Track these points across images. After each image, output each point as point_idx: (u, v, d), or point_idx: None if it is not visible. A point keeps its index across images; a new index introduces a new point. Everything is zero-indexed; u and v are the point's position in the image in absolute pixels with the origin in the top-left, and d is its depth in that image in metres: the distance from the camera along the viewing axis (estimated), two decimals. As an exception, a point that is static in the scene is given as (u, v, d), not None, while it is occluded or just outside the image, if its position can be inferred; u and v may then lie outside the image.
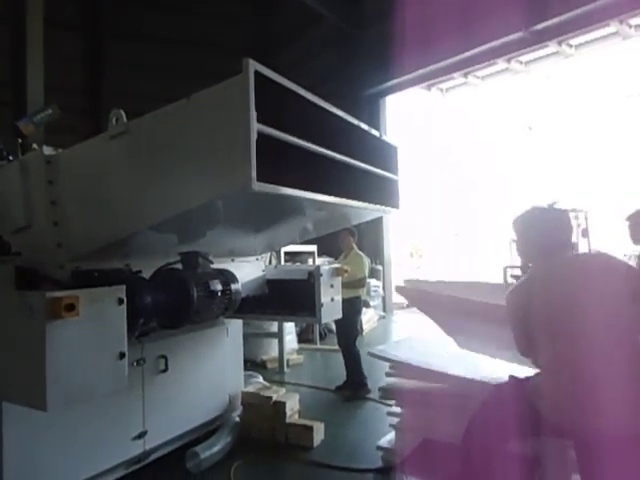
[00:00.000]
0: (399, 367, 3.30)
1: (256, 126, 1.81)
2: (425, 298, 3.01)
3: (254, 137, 1.79)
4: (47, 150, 2.40)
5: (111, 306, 1.97)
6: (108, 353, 1.97)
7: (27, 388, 1.88)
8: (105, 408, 2.73)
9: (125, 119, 2.14)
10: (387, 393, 3.45)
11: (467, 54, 9.55)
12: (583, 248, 9.42)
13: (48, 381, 1.75)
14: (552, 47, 9.43)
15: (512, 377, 2.19)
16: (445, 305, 2.83)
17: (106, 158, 2.26)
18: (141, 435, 3.05)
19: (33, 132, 3.58)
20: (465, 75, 11.03)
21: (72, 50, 12.08)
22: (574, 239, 9.54)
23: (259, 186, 1.80)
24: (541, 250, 2.18)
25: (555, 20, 8.29)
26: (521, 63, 10.47)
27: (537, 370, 2.12)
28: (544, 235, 2.18)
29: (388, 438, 3.45)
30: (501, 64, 10.30)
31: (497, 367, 2.90)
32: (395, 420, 3.33)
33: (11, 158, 2.85)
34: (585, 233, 9.57)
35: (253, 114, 1.78)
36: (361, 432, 3.96)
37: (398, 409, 3.33)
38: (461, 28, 9.26)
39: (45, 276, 2.29)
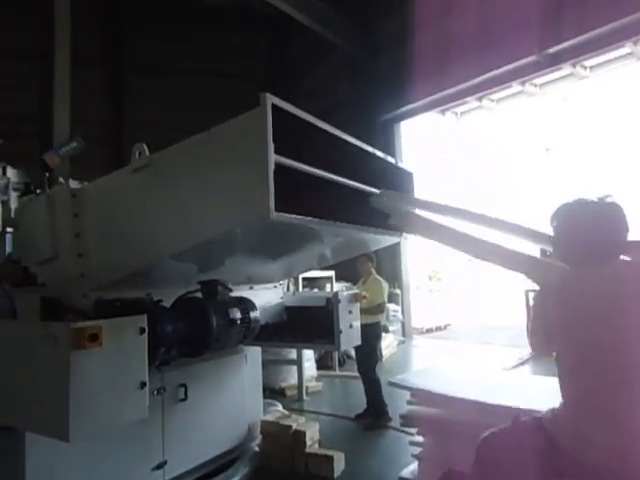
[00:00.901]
0: (420, 395, 3.24)
1: (274, 157, 1.85)
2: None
3: (272, 168, 1.83)
4: (73, 184, 2.48)
5: (133, 336, 1.99)
6: (129, 383, 1.98)
7: (50, 419, 1.89)
8: (125, 438, 2.73)
9: (147, 153, 2.21)
10: (408, 421, 3.38)
11: (481, 78, 9.64)
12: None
13: (71, 412, 1.77)
14: (566, 69, 9.46)
15: (525, 415, 1.95)
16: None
17: (129, 191, 2.33)
18: (160, 465, 3.03)
19: (59, 164, 3.71)
20: (479, 99, 11.10)
21: (93, 83, 12.55)
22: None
23: (277, 216, 1.83)
24: (586, 253, 1.78)
25: (569, 43, 8.33)
26: (535, 86, 10.51)
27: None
28: (592, 234, 1.78)
29: (411, 469, 3.37)
30: (515, 87, 10.35)
31: (520, 394, 2.83)
32: (418, 450, 3.25)
33: (38, 191, 2.95)
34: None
35: (271, 146, 1.82)
36: (383, 462, 3.87)
37: (420, 438, 3.26)
38: (474, 53, 9.38)
39: (68, 306, 2.34)
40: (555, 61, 8.88)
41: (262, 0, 10.14)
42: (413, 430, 3.48)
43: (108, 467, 2.71)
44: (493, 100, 11.53)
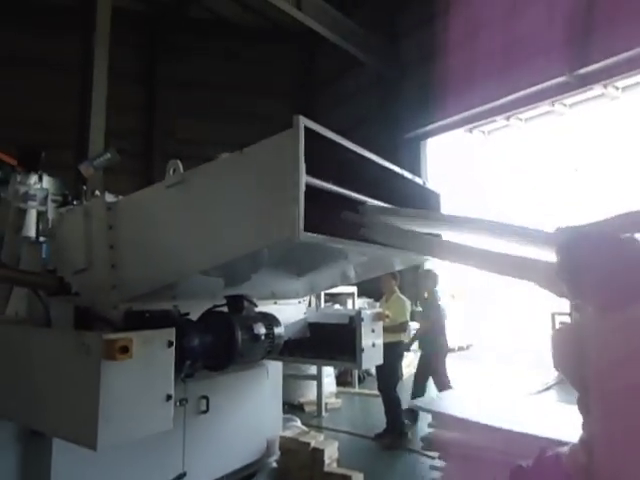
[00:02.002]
0: (442, 418, 3.20)
1: (305, 178, 1.89)
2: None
3: (302, 189, 1.87)
4: (108, 197, 2.57)
5: (161, 348, 2.04)
6: (156, 394, 2.02)
7: (78, 426, 1.94)
8: (146, 447, 2.76)
9: (181, 169, 2.28)
10: (429, 444, 3.34)
11: (509, 98, 9.59)
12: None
13: (100, 421, 1.81)
14: (597, 90, 9.33)
15: (550, 448, 1.79)
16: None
17: (162, 206, 2.39)
18: (180, 477, 3.05)
19: (93, 175, 3.83)
20: (507, 118, 11.02)
21: (128, 97, 12.97)
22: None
23: (306, 237, 1.86)
24: (612, 295, 1.55)
25: (598, 65, 8.24)
26: (565, 105, 10.38)
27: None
28: (622, 274, 1.53)
29: (430, 494, 3.31)
30: (544, 107, 10.25)
31: (546, 422, 2.77)
32: (438, 474, 3.20)
33: (75, 203, 3.05)
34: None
35: (302, 167, 1.86)
36: (401, 485, 3.82)
37: (441, 463, 3.21)
38: (503, 72, 9.35)
39: (99, 316, 2.40)
40: (585, 82, 8.78)
41: (292, 17, 10.36)
42: (434, 454, 3.43)
43: (129, 475, 2.75)
44: (521, 119, 11.43)
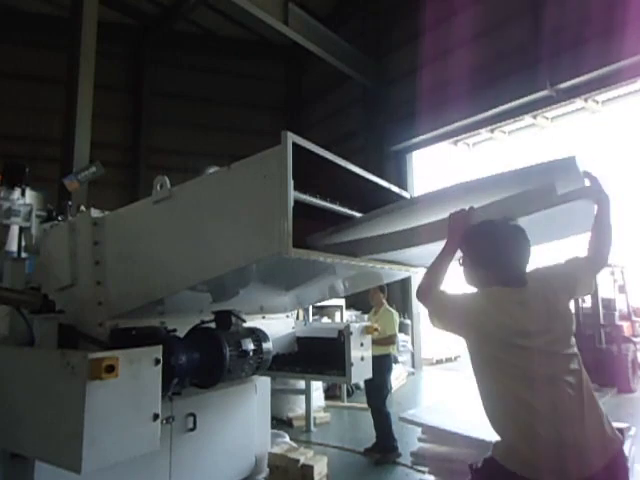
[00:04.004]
0: (432, 432, 3.19)
1: (293, 194, 1.89)
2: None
3: (291, 205, 1.87)
4: (94, 212, 2.53)
5: (148, 367, 2.00)
6: (143, 414, 1.98)
7: (62, 449, 1.89)
8: (132, 467, 2.69)
9: (169, 185, 2.26)
10: (419, 459, 3.33)
11: (492, 112, 9.78)
12: (621, 305, 9.08)
13: (84, 443, 1.76)
14: (578, 103, 9.56)
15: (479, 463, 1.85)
16: None
17: (149, 222, 2.37)
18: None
19: (78, 189, 3.79)
20: (492, 130, 11.22)
21: (113, 108, 12.92)
22: (611, 295, 9.09)
23: (295, 252, 1.86)
24: (502, 276, 1.86)
25: (580, 79, 8.46)
26: (547, 119, 10.61)
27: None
28: (508, 256, 1.87)
29: (421, 509, 3.28)
30: (527, 119, 10.46)
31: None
32: (428, 490, 3.18)
33: (60, 218, 3.01)
34: (622, 289, 9.26)
35: (291, 183, 1.86)
36: (392, 500, 3.78)
37: (432, 477, 3.19)
38: (486, 86, 9.55)
39: (84, 333, 2.36)
40: (567, 95, 9.00)
41: (278, 32, 10.45)
42: (424, 468, 3.41)
43: (115, 498, 2.68)
44: (505, 132, 11.64)
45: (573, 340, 1.87)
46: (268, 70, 15.25)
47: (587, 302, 8.63)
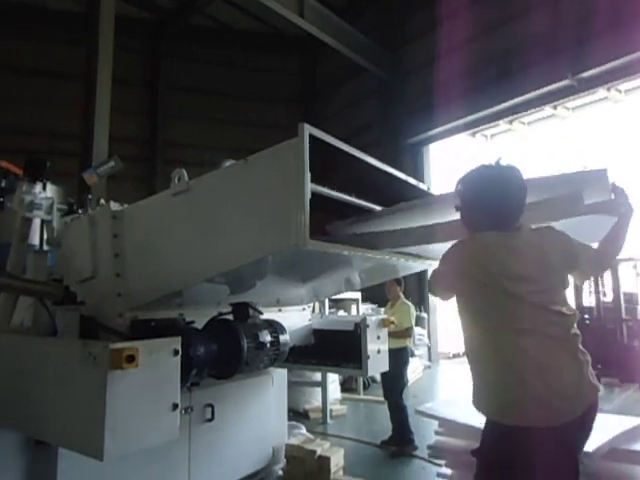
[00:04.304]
0: (449, 426, 3.18)
1: (310, 186, 1.89)
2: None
3: (307, 197, 1.87)
4: (113, 205, 2.56)
5: (167, 357, 2.03)
6: (162, 404, 2.01)
7: (84, 437, 1.93)
8: (152, 456, 2.75)
9: (186, 178, 2.28)
10: (437, 452, 3.31)
11: (512, 102, 9.59)
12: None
13: (106, 431, 1.79)
14: (601, 93, 9.34)
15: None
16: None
17: (167, 214, 2.40)
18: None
19: (97, 183, 3.84)
20: (510, 122, 11.03)
21: (131, 103, 13.06)
22: (634, 289, 8.90)
23: (311, 244, 1.86)
24: (492, 218, 1.90)
25: (602, 68, 8.25)
26: (568, 109, 10.39)
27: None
28: (497, 198, 1.90)
29: (438, 502, 3.28)
30: (547, 110, 10.26)
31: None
32: (445, 483, 3.17)
33: (80, 211, 3.06)
34: (645, 282, 9.06)
35: (307, 176, 1.86)
36: (408, 493, 3.79)
37: (449, 471, 3.18)
38: (505, 76, 9.37)
39: (105, 325, 2.40)
40: (589, 85, 8.79)
41: (294, 24, 10.41)
42: (441, 461, 3.40)
43: (136, 486, 2.74)
44: (524, 123, 11.44)
45: (562, 298, 1.90)
46: (283, 63, 15.21)
47: (608, 296, 8.46)
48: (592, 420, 1.84)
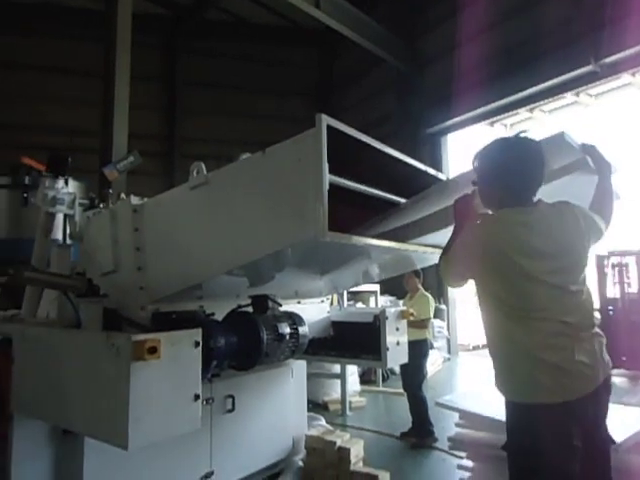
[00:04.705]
0: (470, 418, 3.16)
1: (328, 177, 1.88)
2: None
3: (326, 188, 1.86)
4: (134, 199, 2.60)
5: (188, 349, 2.05)
6: (184, 394, 2.04)
7: (110, 426, 1.97)
8: (175, 446, 2.80)
9: (205, 171, 2.29)
10: (457, 444, 3.30)
11: (532, 90, 9.37)
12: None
13: (130, 421, 1.83)
14: (625, 78, 9.06)
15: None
16: None
17: (186, 207, 2.42)
18: (208, 475, 3.08)
19: (117, 178, 3.89)
20: (531, 110, 10.80)
21: (148, 98, 13.17)
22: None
23: (330, 236, 1.85)
24: (510, 193, 1.89)
25: (627, 52, 7.99)
26: (591, 96, 10.12)
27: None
28: (514, 171, 1.88)
29: (459, 494, 3.27)
30: (569, 97, 10.00)
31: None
32: (466, 474, 3.16)
33: (101, 206, 3.11)
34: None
35: (325, 166, 1.85)
36: (429, 484, 3.78)
37: (470, 463, 3.16)
38: (526, 63, 9.16)
39: (127, 317, 2.44)
40: (613, 71, 8.53)
41: (310, 17, 10.34)
42: (461, 453, 3.38)
43: (159, 474, 2.80)
44: (545, 111, 11.19)
45: (582, 278, 1.89)
46: (300, 56, 15.15)
47: (633, 287, 8.25)
48: (607, 393, 1.87)
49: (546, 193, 1.95)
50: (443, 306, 10.77)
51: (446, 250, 2.02)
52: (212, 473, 3.10)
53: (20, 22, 12.24)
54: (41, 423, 2.48)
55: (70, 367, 2.21)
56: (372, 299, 8.79)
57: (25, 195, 4.52)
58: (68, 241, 3.41)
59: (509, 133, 12.36)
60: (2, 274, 3.98)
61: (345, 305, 6.46)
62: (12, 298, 3.55)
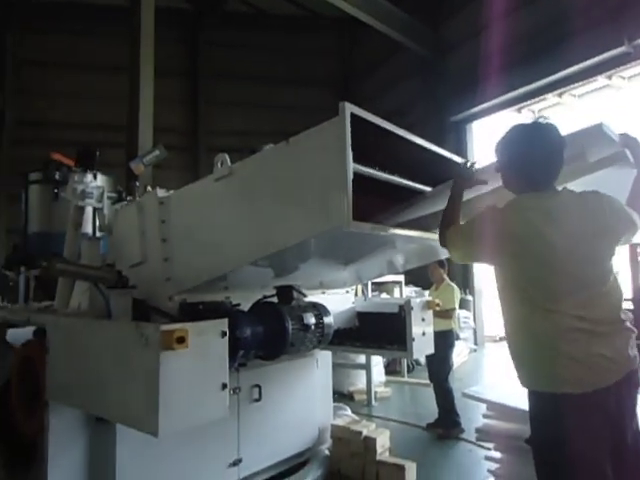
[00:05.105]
0: (498, 409, 3.11)
1: (352, 166, 1.86)
2: None
3: (350, 177, 1.84)
4: (160, 192, 2.63)
5: (215, 338, 2.08)
6: (212, 383, 2.07)
7: (140, 414, 2.01)
8: (204, 434, 2.85)
9: (229, 162, 2.30)
10: (485, 435, 3.26)
11: (562, 73, 9.07)
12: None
13: (160, 408, 1.87)
14: (661, 59, 8.67)
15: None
16: None
17: (211, 199, 2.44)
18: (236, 463, 3.14)
19: (143, 172, 3.96)
20: (560, 95, 10.46)
21: (172, 92, 13.31)
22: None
23: (355, 225, 1.84)
24: (530, 180, 1.86)
25: (663, 31, 7.65)
26: (624, 78, 9.73)
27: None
28: (533, 157, 1.83)
29: (486, 485, 3.23)
30: (601, 80, 9.64)
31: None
32: (494, 466, 3.12)
33: (129, 199, 3.16)
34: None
35: (350, 155, 1.83)
36: (456, 475, 3.77)
37: (497, 454, 3.12)
38: (554, 47, 8.87)
39: (155, 307, 2.49)
40: (647, 51, 8.17)
41: (330, 5, 10.23)
42: (489, 445, 3.34)
43: (188, 460, 2.86)
44: (575, 95, 10.82)
45: (607, 269, 1.83)
46: (320, 45, 15.06)
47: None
48: (633, 387, 1.82)
49: (580, 187, 1.89)
50: (469, 297, 10.64)
51: (445, 220, 2.06)
52: (240, 460, 3.15)
53: (49, 21, 12.53)
54: (75, 410, 2.56)
55: (101, 356, 2.27)
56: (396, 290, 8.74)
57: (55, 190, 4.64)
58: (98, 234, 3.49)
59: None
60: (36, 267, 4.13)
61: (369, 296, 6.45)
62: (46, 290, 3.67)
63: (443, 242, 2.07)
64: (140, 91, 8.10)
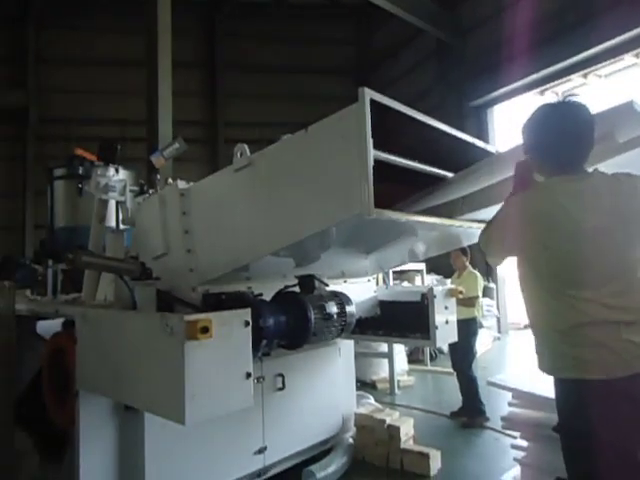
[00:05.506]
0: (524, 397, 3.07)
1: (372, 153, 1.84)
2: None
3: (371, 164, 1.82)
4: (181, 184, 2.65)
5: (239, 328, 2.09)
6: (236, 372, 2.09)
7: (167, 402, 2.05)
8: (230, 422, 2.89)
9: (248, 153, 2.30)
10: (510, 424, 3.22)
11: (588, 53, 8.76)
12: None
13: (187, 397, 1.89)
14: (693, 35, 8.31)
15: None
16: None
17: (231, 189, 2.44)
18: (261, 450, 3.18)
19: (164, 165, 4.00)
20: (585, 75, 10.13)
21: (190, 85, 13.37)
22: None
23: (376, 213, 1.82)
24: (556, 161, 1.79)
25: (696, 4, 7.31)
26: (652, 56, 9.35)
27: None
28: (560, 138, 1.76)
29: (512, 474, 3.21)
30: (628, 59, 9.29)
31: None
32: (520, 454, 3.09)
33: (151, 191, 3.20)
34: None
35: (370, 142, 1.81)
36: (481, 463, 3.74)
37: (524, 442, 3.08)
38: (578, 25, 8.57)
39: (179, 298, 2.52)
40: (679, 26, 7.84)
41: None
42: (514, 433, 3.31)
43: (215, 448, 2.91)
44: (600, 76, 10.46)
45: (638, 255, 1.75)
46: (337, 33, 14.90)
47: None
48: None
49: (611, 169, 1.82)
50: (492, 284, 10.49)
51: (491, 222, 1.96)
52: (265, 448, 3.19)
53: (68, 17, 12.69)
54: (105, 399, 2.62)
55: (128, 347, 2.31)
56: (418, 278, 8.68)
57: (80, 185, 4.73)
58: (121, 226, 3.54)
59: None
60: (63, 261, 4.22)
61: (391, 284, 6.41)
62: (74, 283, 3.75)
63: (480, 247, 2.02)
64: (159, 84, 8.14)
